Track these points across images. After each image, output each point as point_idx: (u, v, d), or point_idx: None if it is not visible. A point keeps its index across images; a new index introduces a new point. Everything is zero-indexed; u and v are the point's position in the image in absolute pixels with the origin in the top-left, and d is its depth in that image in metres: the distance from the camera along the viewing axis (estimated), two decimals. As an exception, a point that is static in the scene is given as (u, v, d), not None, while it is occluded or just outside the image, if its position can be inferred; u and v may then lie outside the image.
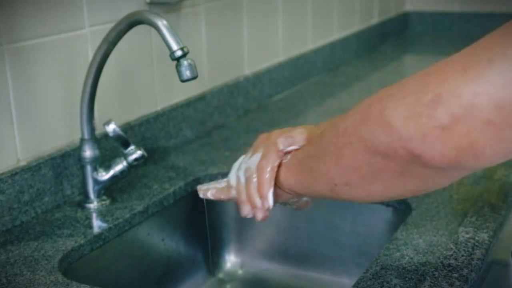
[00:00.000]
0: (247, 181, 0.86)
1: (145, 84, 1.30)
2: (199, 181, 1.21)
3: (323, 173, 0.75)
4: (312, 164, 0.78)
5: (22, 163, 1.05)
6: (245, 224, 1.25)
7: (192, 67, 0.96)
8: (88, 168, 1.08)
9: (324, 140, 0.75)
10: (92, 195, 1.09)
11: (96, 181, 1.09)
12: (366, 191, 0.72)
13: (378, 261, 0.90)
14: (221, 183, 0.92)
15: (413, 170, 0.64)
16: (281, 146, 0.84)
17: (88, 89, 1.05)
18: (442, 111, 0.56)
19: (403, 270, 0.87)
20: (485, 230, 0.96)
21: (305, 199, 0.90)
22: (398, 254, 0.92)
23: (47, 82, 1.08)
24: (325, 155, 0.74)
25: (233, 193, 0.89)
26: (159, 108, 1.34)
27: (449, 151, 0.58)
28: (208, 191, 0.92)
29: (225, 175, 1.23)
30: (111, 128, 1.07)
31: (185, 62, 0.95)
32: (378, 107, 0.63)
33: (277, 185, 0.84)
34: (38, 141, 1.08)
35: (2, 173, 1.01)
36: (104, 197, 1.11)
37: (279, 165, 0.84)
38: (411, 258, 0.90)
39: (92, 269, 1.01)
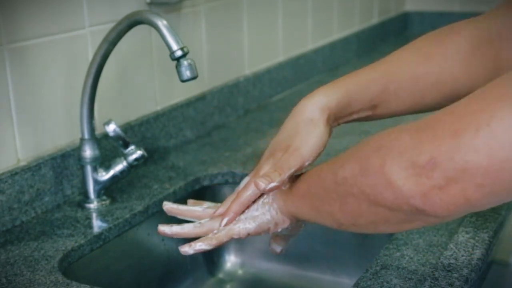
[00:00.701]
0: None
1: (145, 84, 1.30)
2: (199, 181, 1.21)
3: (329, 213, 0.77)
4: (316, 203, 0.79)
5: (22, 163, 1.05)
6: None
7: (192, 67, 0.96)
8: (88, 168, 1.08)
9: (324, 183, 0.76)
10: (92, 195, 1.09)
11: (96, 181, 1.09)
12: (374, 231, 0.76)
13: (378, 261, 0.90)
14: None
15: (420, 218, 0.68)
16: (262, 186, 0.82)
17: (88, 89, 1.05)
18: (438, 173, 0.61)
19: (403, 270, 0.87)
20: (485, 230, 0.96)
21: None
22: (398, 254, 0.92)
23: (47, 82, 1.08)
24: (329, 199, 0.75)
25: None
26: (159, 108, 1.34)
27: (448, 206, 0.63)
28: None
29: (225, 174, 1.23)
30: (111, 128, 1.07)
31: (185, 62, 0.95)
32: (377, 162, 0.66)
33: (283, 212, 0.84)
34: (38, 141, 1.08)
35: (2, 173, 1.01)
36: (104, 197, 1.11)
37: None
38: (411, 258, 0.90)
39: (92, 269, 1.01)
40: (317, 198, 0.78)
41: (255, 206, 0.85)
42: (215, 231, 0.85)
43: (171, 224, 0.88)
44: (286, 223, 0.85)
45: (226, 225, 0.85)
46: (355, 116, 0.89)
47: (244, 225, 0.85)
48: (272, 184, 0.79)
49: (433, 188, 0.62)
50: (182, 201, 1.12)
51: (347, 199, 0.72)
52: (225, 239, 0.85)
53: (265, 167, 0.85)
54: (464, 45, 0.89)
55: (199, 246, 0.84)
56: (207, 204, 0.92)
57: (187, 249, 0.84)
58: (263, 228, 0.85)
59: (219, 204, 0.89)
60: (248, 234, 0.85)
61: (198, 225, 0.87)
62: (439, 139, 0.62)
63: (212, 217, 0.87)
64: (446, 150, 0.61)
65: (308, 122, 0.84)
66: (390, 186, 0.65)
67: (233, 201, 0.86)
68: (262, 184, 0.79)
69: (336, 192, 0.73)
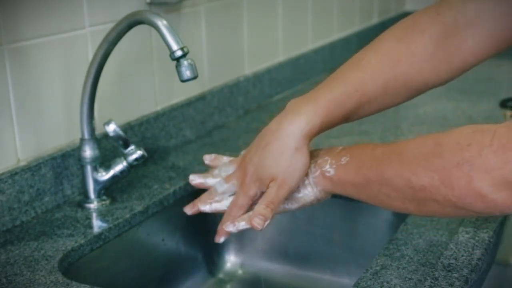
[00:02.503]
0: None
1: (145, 84, 1.30)
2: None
3: (396, 207, 0.80)
4: (380, 197, 0.81)
5: (22, 163, 1.05)
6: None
7: (192, 67, 0.96)
8: (88, 168, 1.08)
9: (394, 185, 0.78)
10: (92, 195, 1.09)
11: (96, 181, 1.09)
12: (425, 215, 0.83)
13: (378, 261, 0.90)
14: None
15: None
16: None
17: (88, 89, 1.05)
18: None
19: (403, 270, 0.87)
20: (485, 230, 0.96)
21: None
22: (398, 254, 0.92)
23: (47, 82, 1.08)
24: (402, 199, 0.78)
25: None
26: (159, 108, 1.34)
27: None
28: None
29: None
30: (111, 128, 1.07)
31: (185, 62, 0.95)
32: (462, 177, 0.69)
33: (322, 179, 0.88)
34: (38, 141, 1.08)
35: (2, 173, 1.01)
36: (104, 197, 1.11)
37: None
38: (411, 258, 0.90)
39: (92, 269, 1.01)
40: (382, 195, 0.80)
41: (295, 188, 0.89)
42: (260, 208, 0.88)
43: (208, 201, 0.95)
44: (328, 197, 0.91)
45: (219, 237, 0.96)
46: (329, 129, 0.92)
47: (288, 205, 0.90)
48: (267, 222, 0.86)
49: None
50: (182, 201, 1.12)
51: (427, 202, 0.75)
52: (270, 217, 0.88)
53: (253, 188, 0.90)
54: (429, 44, 0.92)
55: (242, 225, 0.89)
56: (224, 159, 1.00)
57: (230, 227, 0.90)
58: (305, 206, 0.91)
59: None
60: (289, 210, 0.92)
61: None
62: None
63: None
64: None
65: (293, 152, 0.87)
66: (481, 199, 0.68)
67: (225, 217, 0.93)
68: (259, 226, 0.85)
69: (413, 196, 0.76)
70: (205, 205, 0.95)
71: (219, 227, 0.95)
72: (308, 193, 0.89)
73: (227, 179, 0.95)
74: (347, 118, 0.92)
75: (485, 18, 0.91)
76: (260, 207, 0.86)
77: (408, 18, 0.95)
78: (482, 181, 0.67)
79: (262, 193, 0.90)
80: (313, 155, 0.91)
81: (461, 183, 0.69)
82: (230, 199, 0.94)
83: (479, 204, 0.69)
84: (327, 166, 0.87)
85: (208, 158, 1.01)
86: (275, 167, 0.87)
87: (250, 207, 0.91)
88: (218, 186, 0.95)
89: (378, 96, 0.91)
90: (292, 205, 0.90)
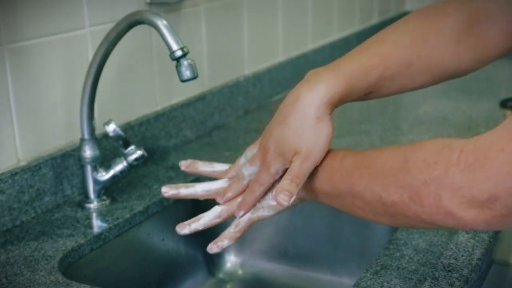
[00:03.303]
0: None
1: (145, 84, 1.30)
2: (199, 181, 1.21)
3: (369, 218, 0.79)
4: (352, 208, 0.80)
5: (22, 163, 1.05)
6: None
7: (192, 67, 0.96)
8: (88, 168, 1.08)
9: (364, 198, 0.76)
10: (92, 195, 1.09)
11: (96, 181, 1.09)
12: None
13: (378, 261, 0.90)
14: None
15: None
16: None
17: (88, 89, 1.05)
18: (500, 204, 0.64)
19: (403, 270, 0.87)
20: (485, 231, 0.96)
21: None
22: (398, 254, 0.92)
23: (47, 82, 1.08)
24: (374, 212, 0.77)
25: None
26: (159, 108, 1.34)
27: (507, 226, 0.68)
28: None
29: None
30: (111, 128, 1.07)
31: (185, 62, 0.95)
32: (431, 196, 0.68)
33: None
34: (38, 141, 1.08)
35: (2, 173, 1.01)
36: (104, 197, 1.11)
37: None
38: (411, 258, 0.90)
39: (92, 269, 1.01)
40: (355, 207, 0.79)
41: (270, 195, 0.86)
42: (234, 225, 0.86)
43: (187, 223, 0.88)
44: (301, 203, 0.89)
45: (242, 216, 0.87)
46: (350, 101, 0.89)
47: (263, 213, 0.87)
48: (293, 198, 0.81)
49: (495, 217, 0.65)
50: (182, 201, 1.12)
51: (399, 217, 0.74)
52: (246, 229, 0.87)
53: (274, 164, 0.85)
54: (455, 27, 0.90)
55: (226, 243, 0.87)
56: (215, 166, 0.94)
57: (215, 249, 0.87)
58: (281, 212, 0.88)
59: (225, 167, 0.93)
60: (267, 218, 0.89)
61: (216, 216, 0.89)
62: (494, 178, 0.64)
63: (224, 202, 0.90)
64: (504, 188, 0.63)
65: (315, 122, 0.83)
66: (451, 216, 0.68)
67: (247, 193, 0.87)
68: (285, 202, 0.80)
69: (384, 210, 0.75)
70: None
71: (240, 201, 0.89)
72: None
73: (251, 161, 0.89)
74: (368, 92, 0.88)
75: (506, 11, 0.90)
76: (284, 182, 0.81)
77: (433, 4, 0.94)
78: (451, 199, 0.67)
79: (286, 170, 0.85)
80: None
81: (430, 200, 0.68)
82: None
83: (449, 221, 0.69)
84: None
85: (184, 164, 0.95)
86: (297, 140, 0.83)
87: (273, 186, 0.87)
88: (244, 170, 0.89)
89: (401, 73, 0.89)
90: (268, 213, 0.87)
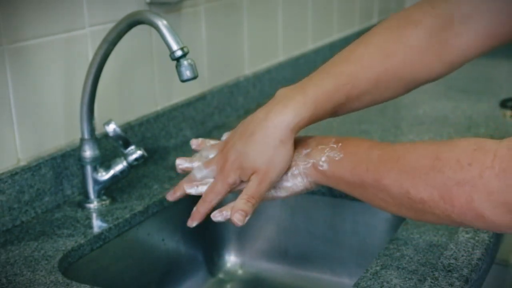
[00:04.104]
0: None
1: (145, 84, 1.30)
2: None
3: (392, 210, 0.79)
4: (376, 201, 0.80)
5: (22, 163, 1.05)
6: (245, 224, 1.25)
7: (192, 67, 0.96)
8: (88, 168, 1.08)
9: (392, 190, 0.76)
10: (92, 195, 1.09)
11: (96, 181, 1.09)
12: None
13: (378, 261, 0.90)
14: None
15: None
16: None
17: (88, 89, 1.05)
18: None
19: (403, 270, 0.87)
20: (485, 230, 0.96)
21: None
22: (398, 254, 0.92)
23: (47, 82, 1.08)
24: (399, 206, 0.77)
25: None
26: (159, 108, 1.34)
27: None
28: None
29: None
30: (111, 128, 1.07)
31: (185, 62, 0.95)
32: (463, 197, 0.69)
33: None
34: (38, 141, 1.08)
35: (2, 173, 1.01)
36: (104, 197, 1.11)
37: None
38: (411, 258, 0.90)
39: (92, 269, 1.01)
40: (377, 199, 0.79)
41: (285, 177, 0.87)
42: (240, 203, 0.86)
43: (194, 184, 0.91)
44: (318, 188, 0.89)
45: (194, 226, 0.92)
46: (317, 122, 0.90)
47: (276, 193, 0.88)
48: (248, 217, 0.84)
49: None
50: (182, 201, 1.12)
51: (425, 214, 0.74)
52: (251, 212, 0.86)
53: (232, 176, 0.87)
54: (423, 36, 0.90)
55: (234, 215, 0.86)
56: (209, 142, 0.96)
57: (218, 217, 0.87)
58: (294, 195, 0.89)
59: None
60: (279, 198, 0.90)
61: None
62: None
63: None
64: None
65: (277, 145, 0.85)
66: (482, 219, 0.68)
67: (200, 203, 0.90)
68: (239, 222, 0.84)
69: (411, 205, 0.75)
70: (191, 188, 0.91)
71: (193, 211, 0.91)
72: (298, 183, 0.87)
73: (206, 164, 0.91)
74: (336, 111, 0.90)
75: (481, 13, 0.90)
76: (240, 202, 0.84)
77: (401, 12, 0.94)
78: (483, 203, 0.67)
79: (241, 181, 0.87)
80: (304, 143, 0.88)
81: (462, 202, 0.69)
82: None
83: (479, 223, 0.69)
84: (320, 159, 0.85)
85: (195, 143, 0.97)
86: (259, 158, 0.85)
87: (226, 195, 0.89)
88: (196, 172, 0.91)
89: (369, 90, 0.90)
90: (281, 193, 0.88)
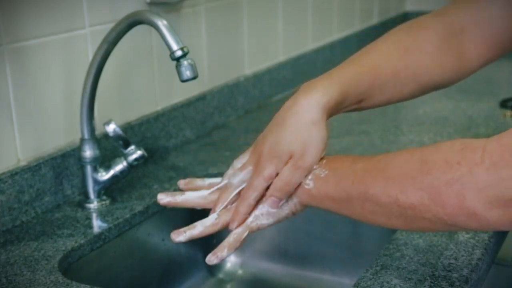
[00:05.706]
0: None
1: (145, 84, 1.30)
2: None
3: (379, 221, 0.78)
4: (365, 214, 0.79)
5: (22, 163, 1.05)
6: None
7: (192, 67, 0.96)
8: (88, 168, 1.08)
9: (381, 200, 0.75)
10: (92, 195, 1.09)
11: (96, 181, 1.09)
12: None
13: (378, 261, 0.90)
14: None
15: None
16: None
17: (88, 89, 1.05)
18: None
19: (403, 270, 0.87)
20: (484, 230, 0.96)
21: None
22: (398, 254, 0.92)
23: (47, 82, 1.08)
24: (389, 215, 0.76)
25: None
26: (159, 108, 1.34)
27: None
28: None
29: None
30: (111, 128, 1.07)
31: (185, 62, 0.95)
32: (453, 196, 0.68)
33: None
34: (38, 141, 1.08)
35: (2, 173, 1.01)
36: (104, 197, 1.11)
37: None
38: (411, 258, 0.90)
39: (92, 269, 1.01)
40: (365, 211, 0.78)
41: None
42: (234, 234, 0.84)
43: (183, 230, 0.86)
44: (303, 210, 0.87)
45: (236, 227, 0.85)
46: (343, 111, 0.90)
47: (261, 222, 0.86)
48: (282, 202, 0.84)
49: None
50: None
51: (416, 220, 0.73)
52: (246, 239, 0.85)
53: (269, 167, 0.84)
54: (434, 39, 0.94)
55: (226, 253, 0.84)
56: (206, 181, 0.91)
57: (214, 260, 0.84)
58: (280, 220, 0.86)
59: (218, 180, 0.89)
60: (266, 227, 0.87)
61: (213, 222, 0.86)
62: None
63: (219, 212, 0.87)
64: None
65: (310, 126, 0.83)
66: (474, 217, 0.67)
67: (239, 202, 0.85)
68: (274, 206, 0.84)
69: (400, 213, 0.74)
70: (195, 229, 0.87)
71: (233, 212, 0.86)
72: (284, 207, 0.85)
73: (241, 168, 0.88)
74: (361, 100, 0.89)
75: (482, 23, 0.93)
76: (275, 187, 0.83)
77: (412, 20, 0.98)
78: (475, 199, 0.66)
79: (277, 174, 0.84)
80: None
81: (453, 201, 0.68)
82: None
83: (472, 222, 0.68)
84: (307, 178, 0.83)
85: (182, 183, 0.92)
86: (293, 142, 0.83)
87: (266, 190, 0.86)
88: (232, 178, 0.87)
89: (389, 82, 0.91)
90: (267, 221, 0.86)
